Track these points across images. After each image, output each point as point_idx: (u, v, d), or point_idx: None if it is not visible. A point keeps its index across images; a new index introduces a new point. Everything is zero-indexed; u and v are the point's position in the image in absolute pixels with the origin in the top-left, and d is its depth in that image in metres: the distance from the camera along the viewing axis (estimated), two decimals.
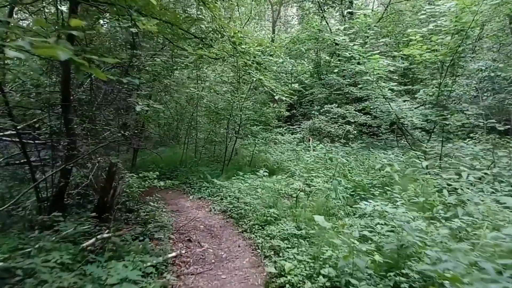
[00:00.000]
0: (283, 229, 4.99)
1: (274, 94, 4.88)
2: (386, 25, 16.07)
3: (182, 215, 6.64)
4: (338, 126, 13.15)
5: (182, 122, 11.81)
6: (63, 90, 5.09)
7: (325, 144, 11.94)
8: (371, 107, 10.08)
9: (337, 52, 12.64)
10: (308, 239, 4.64)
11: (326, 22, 17.08)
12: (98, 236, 4.17)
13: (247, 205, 6.47)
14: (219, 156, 13.17)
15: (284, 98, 4.77)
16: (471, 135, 10.11)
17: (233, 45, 3.67)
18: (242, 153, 13.04)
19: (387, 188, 6.04)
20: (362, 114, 13.57)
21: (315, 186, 6.35)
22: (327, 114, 14.16)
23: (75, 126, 6.06)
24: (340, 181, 6.74)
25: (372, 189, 6.69)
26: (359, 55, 8.07)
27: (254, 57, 4.25)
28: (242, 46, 4.18)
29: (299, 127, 15.14)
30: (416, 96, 10.86)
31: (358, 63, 8.61)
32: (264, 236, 5.03)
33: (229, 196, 7.29)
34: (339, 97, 16.29)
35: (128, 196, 6.27)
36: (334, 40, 10.19)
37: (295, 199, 6.11)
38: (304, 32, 17.34)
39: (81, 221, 4.93)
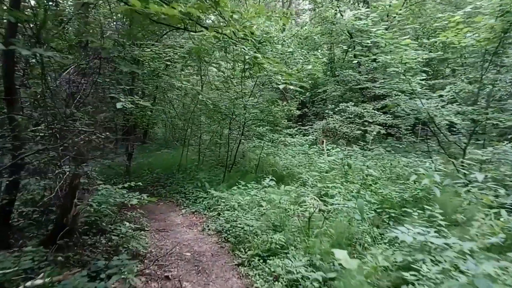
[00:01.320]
0: (291, 266, 3.71)
1: (279, 83, 3.63)
2: (408, 16, 14.63)
3: (168, 236, 5.42)
4: (355, 127, 11.79)
5: (187, 122, 10.64)
6: (5, 81, 3.93)
7: (341, 147, 10.62)
8: (396, 104, 8.65)
9: (355, 43, 11.25)
10: (326, 286, 3.36)
11: (341, 13, 15.73)
12: (27, 284, 2.96)
13: (248, 225, 5.23)
14: (224, 159, 11.98)
15: (291, 86, 3.49)
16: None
17: (215, 6, 2.46)
18: (249, 156, 11.82)
19: (425, 206, 4.71)
20: (381, 113, 12.22)
21: (332, 203, 5.04)
22: (342, 114, 12.81)
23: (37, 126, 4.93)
24: (364, 196, 5.44)
25: (404, 205, 5.39)
26: (385, 41, 6.73)
27: (252, 33, 3.03)
28: (234, 16, 2.94)
29: (311, 128, 13.82)
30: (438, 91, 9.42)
31: (383, 52, 7.26)
32: (265, 276, 3.76)
33: (228, 210, 6.06)
34: (355, 94, 14.92)
35: (101, 214, 5.07)
36: (353, 24, 8.83)
37: (307, 220, 4.82)
38: (317, 26, 16.05)
39: (30, 250, 3.77)
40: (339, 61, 17.40)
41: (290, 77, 3.33)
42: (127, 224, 4.86)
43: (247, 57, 3.33)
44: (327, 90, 15.06)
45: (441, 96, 7.58)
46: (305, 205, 5.92)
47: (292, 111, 9.40)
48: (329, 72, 17.13)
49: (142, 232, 5.29)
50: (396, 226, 4.65)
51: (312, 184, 6.95)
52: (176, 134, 13.83)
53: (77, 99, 5.94)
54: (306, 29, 15.62)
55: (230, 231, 5.21)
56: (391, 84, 8.40)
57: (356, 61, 15.48)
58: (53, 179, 4.83)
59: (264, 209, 5.67)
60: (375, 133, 11.38)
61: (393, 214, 5.10)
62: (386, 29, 10.31)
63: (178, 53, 7.10)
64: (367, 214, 4.69)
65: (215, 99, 8.45)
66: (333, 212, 4.81)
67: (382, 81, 9.10)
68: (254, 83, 8.76)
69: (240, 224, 5.24)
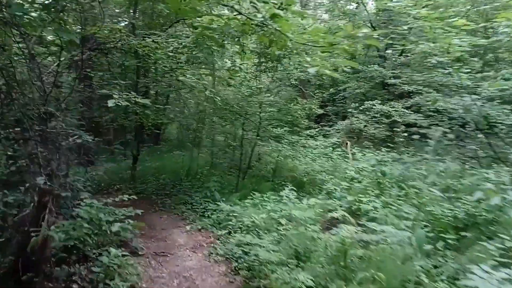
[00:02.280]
0: None
1: (307, 65, 2.56)
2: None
3: (167, 262, 4.43)
4: (383, 127, 10.60)
5: (198, 122, 9.72)
6: None
7: (369, 150, 9.47)
8: (437, 99, 7.43)
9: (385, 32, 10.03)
10: None
11: (363, 4, 14.51)
12: None
13: (262, 248, 4.20)
14: (238, 162, 10.97)
15: (327, 71, 2.41)
16: None
17: None
18: (265, 160, 10.79)
19: (499, 233, 3.57)
20: (412, 112, 11.00)
21: (374, 228, 3.93)
22: (366, 113, 11.62)
23: None
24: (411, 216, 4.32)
25: (460, 227, 4.25)
26: (430, 23, 5.55)
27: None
28: None
29: (332, 129, 12.68)
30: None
31: (421, 38, 6.10)
32: None
33: (240, 229, 5.05)
34: (379, 92, 13.68)
35: (85, 235, 4.10)
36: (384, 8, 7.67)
37: (339, 246, 3.73)
38: (336, 19, 14.91)
39: None
40: (360, 56, 16.10)
41: (330, 46, 2.23)
42: (113, 250, 3.88)
43: (259, 16, 2.29)
44: (349, 88, 13.88)
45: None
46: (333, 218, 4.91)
47: (313, 110, 8.28)
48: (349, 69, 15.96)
49: (135, 258, 4.31)
50: (458, 259, 3.55)
51: (340, 195, 5.86)
52: (190, 135, 12.92)
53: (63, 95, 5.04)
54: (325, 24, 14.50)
55: (242, 260, 4.19)
56: (431, 77, 7.22)
57: (380, 56, 14.32)
58: (24, 194, 3.91)
59: (284, 230, 4.64)
60: (406, 134, 10.18)
61: (449, 241, 3.97)
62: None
63: (183, 43, 6.13)
64: (424, 245, 3.58)
65: (227, 96, 7.43)
66: (376, 242, 3.70)
67: (419, 75, 7.93)
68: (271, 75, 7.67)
69: (254, 249, 4.22)
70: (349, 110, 12.21)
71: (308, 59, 2.55)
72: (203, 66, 7.16)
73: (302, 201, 5.54)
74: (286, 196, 5.66)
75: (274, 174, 8.73)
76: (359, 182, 6.71)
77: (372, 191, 5.83)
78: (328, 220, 5.04)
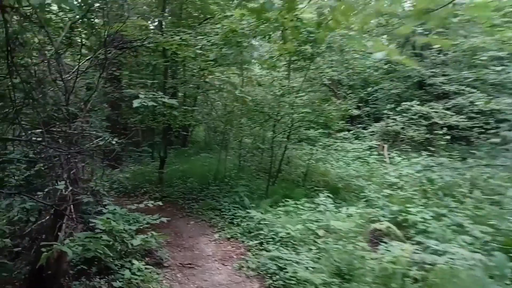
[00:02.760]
0: None
1: (370, 50, 2.11)
2: None
3: (194, 276, 4.06)
4: (422, 130, 9.86)
5: (226, 124, 9.40)
6: None
7: (407, 155, 8.81)
8: (490, 100, 6.73)
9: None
10: None
11: None
12: None
13: (299, 263, 3.77)
14: (266, 165, 10.55)
15: (397, 56, 1.93)
16: None
17: None
18: (294, 163, 10.31)
19: None
20: (453, 113, 10.24)
21: (434, 249, 3.38)
22: (403, 114, 10.91)
23: None
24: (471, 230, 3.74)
25: None
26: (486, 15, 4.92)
27: None
28: None
29: (365, 130, 12.01)
30: None
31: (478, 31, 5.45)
32: None
33: (273, 239, 4.62)
34: (417, 92, 12.87)
35: (106, 244, 3.79)
36: None
37: (390, 267, 3.23)
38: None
39: None
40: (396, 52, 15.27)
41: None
42: (136, 263, 3.54)
43: None
44: (381, 89, 13.18)
45: None
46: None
47: (349, 111, 7.73)
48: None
49: (160, 270, 3.97)
50: None
51: (382, 204, 5.31)
52: (218, 137, 12.62)
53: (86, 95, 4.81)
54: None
55: (277, 276, 3.74)
56: (480, 75, 6.53)
57: (416, 54, 13.53)
58: (44, 199, 3.65)
59: (322, 242, 4.17)
60: (448, 137, 9.42)
61: None
62: None
63: (212, 40, 5.79)
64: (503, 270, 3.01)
65: (257, 96, 7.03)
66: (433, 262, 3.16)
67: (466, 73, 7.24)
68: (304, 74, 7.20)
69: (290, 264, 3.78)
70: (384, 111, 11.51)
71: (370, 42, 2.09)
72: (233, 65, 6.81)
73: (340, 210, 5.06)
74: (322, 204, 5.20)
75: (305, 179, 8.24)
76: (401, 189, 6.14)
77: (418, 200, 5.25)
78: (371, 232, 4.52)
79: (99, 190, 4.32)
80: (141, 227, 4.35)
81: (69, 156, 3.82)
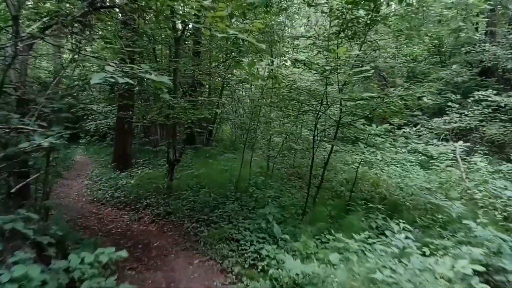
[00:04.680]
0: None
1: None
2: None
3: None
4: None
5: (253, 119, 7.53)
6: None
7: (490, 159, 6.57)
8: None
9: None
10: None
11: None
12: None
13: None
14: (301, 169, 8.56)
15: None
16: None
17: None
18: (335, 168, 8.29)
19: None
20: None
21: None
22: (473, 107, 8.54)
23: None
24: None
25: None
26: None
27: None
28: None
29: (423, 127, 9.67)
30: None
31: None
32: None
33: None
34: (486, 80, 10.36)
35: None
36: None
37: None
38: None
39: None
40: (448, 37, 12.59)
41: None
42: None
43: None
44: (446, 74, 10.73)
45: None
46: None
47: (424, 100, 5.38)
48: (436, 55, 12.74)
49: None
50: None
51: (498, 246, 3.22)
52: (243, 135, 10.79)
53: None
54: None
55: None
56: None
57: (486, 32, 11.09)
58: None
59: None
60: None
61: None
62: None
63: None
64: None
65: (292, 78, 5.06)
66: None
67: None
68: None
69: None
70: (449, 103, 9.13)
71: None
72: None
73: (434, 259, 3.03)
74: (399, 241, 3.20)
75: (353, 190, 6.22)
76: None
77: None
78: None
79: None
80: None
81: None
